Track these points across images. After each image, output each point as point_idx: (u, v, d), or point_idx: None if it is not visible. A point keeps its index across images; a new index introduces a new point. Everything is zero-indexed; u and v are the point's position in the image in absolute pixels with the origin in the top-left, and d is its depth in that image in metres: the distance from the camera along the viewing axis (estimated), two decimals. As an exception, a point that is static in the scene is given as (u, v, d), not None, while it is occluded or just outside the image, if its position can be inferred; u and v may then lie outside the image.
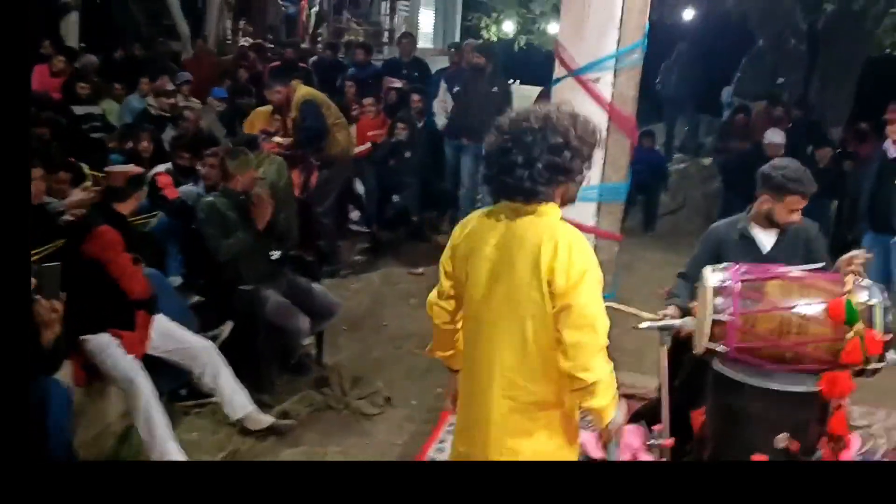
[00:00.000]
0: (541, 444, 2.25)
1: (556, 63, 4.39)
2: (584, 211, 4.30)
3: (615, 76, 4.25)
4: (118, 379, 3.63)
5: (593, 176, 4.30)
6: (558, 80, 4.36)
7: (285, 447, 3.90)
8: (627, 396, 4.12)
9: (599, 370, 2.12)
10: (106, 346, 3.67)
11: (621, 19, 4.21)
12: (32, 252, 3.19)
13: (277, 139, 5.84)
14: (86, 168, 5.05)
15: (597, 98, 4.26)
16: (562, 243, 2.11)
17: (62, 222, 4.27)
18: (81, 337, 3.66)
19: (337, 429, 4.15)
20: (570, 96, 4.32)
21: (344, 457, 3.87)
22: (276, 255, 4.59)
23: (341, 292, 5.71)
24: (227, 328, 4.44)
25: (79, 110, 6.59)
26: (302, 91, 5.93)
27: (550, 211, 2.19)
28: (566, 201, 2.26)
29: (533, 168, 2.12)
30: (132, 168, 4.35)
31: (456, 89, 7.88)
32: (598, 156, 4.13)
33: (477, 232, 2.30)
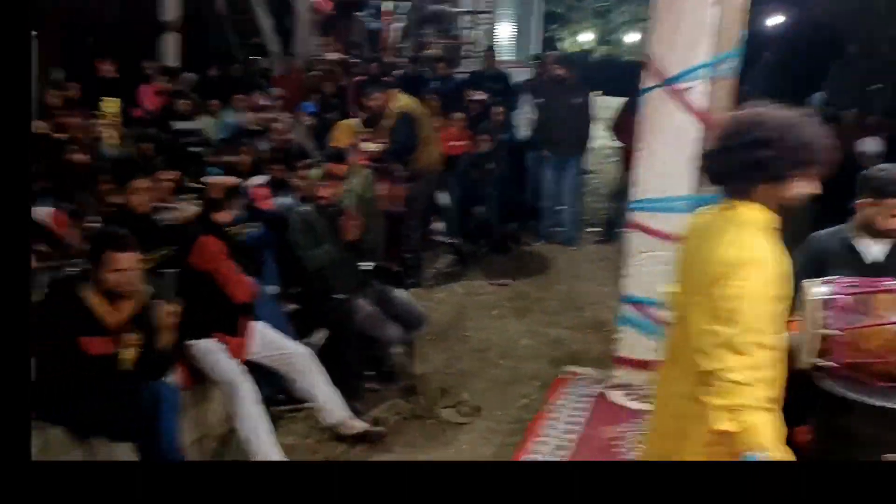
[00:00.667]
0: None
1: (646, 72, 4.38)
2: (676, 221, 4.26)
3: (709, 85, 4.21)
4: (222, 382, 3.77)
5: (684, 186, 4.27)
6: (648, 89, 4.34)
7: (376, 454, 3.98)
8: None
9: (720, 362, 1.98)
10: (211, 350, 3.83)
11: (715, 28, 4.18)
12: (144, 259, 3.35)
13: (369, 145, 5.98)
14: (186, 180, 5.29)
15: (689, 107, 4.22)
16: (729, 236, 2.08)
17: (166, 230, 4.47)
18: (187, 341, 3.83)
19: (424, 438, 4.21)
20: (660, 106, 4.30)
21: (434, 465, 3.91)
22: (367, 265, 4.69)
23: (425, 303, 5.78)
24: (320, 336, 4.56)
25: (178, 126, 6.90)
26: (401, 101, 6.03)
27: (745, 209, 2.15)
28: (776, 203, 2.17)
29: (731, 164, 2.12)
30: (229, 179, 4.54)
31: (538, 101, 7.91)
32: (688, 164, 4.20)
33: (690, 229, 2.33)
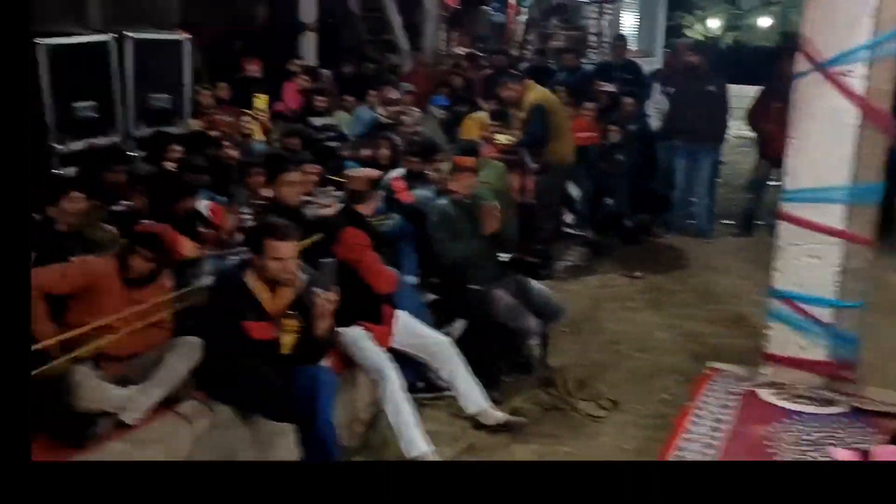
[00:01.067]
0: None
1: (799, 56, 4.18)
2: (832, 213, 4.06)
3: (869, 68, 3.97)
4: (370, 369, 3.91)
5: (842, 175, 4.05)
6: (803, 73, 4.14)
7: (516, 443, 4.01)
8: (882, 414, 3.88)
9: None
10: (358, 338, 3.97)
11: (876, 5, 3.94)
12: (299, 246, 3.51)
13: (501, 137, 6.02)
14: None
15: (847, 92, 4.00)
16: None
17: (313, 222, 4.67)
18: (336, 329, 3.99)
19: (563, 429, 4.19)
20: (815, 91, 4.10)
21: (574, 458, 3.91)
22: (505, 257, 4.73)
23: (558, 294, 5.76)
24: (459, 326, 4.64)
25: (316, 122, 7.18)
26: (535, 93, 6.03)
27: None
28: None
29: None
30: (372, 172, 4.69)
31: (671, 90, 7.71)
32: (846, 153, 3.98)
33: None
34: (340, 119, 7.60)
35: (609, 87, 8.19)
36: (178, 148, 5.37)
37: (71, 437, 2.98)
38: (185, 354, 3.31)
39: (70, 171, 5.04)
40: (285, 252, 3.32)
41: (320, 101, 7.39)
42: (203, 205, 4.72)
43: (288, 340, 3.40)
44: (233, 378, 3.32)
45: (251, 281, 3.37)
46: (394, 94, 7.57)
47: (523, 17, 11.99)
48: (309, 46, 8.93)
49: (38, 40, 5.00)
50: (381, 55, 9.52)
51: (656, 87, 7.93)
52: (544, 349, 4.85)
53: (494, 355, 4.53)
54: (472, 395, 4.11)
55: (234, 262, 3.62)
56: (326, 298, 3.29)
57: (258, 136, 6.48)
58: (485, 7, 11.47)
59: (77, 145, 5.18)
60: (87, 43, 5.28)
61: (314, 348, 3.41)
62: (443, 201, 4.81)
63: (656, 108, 7.79)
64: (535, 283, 4.84)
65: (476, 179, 4.90)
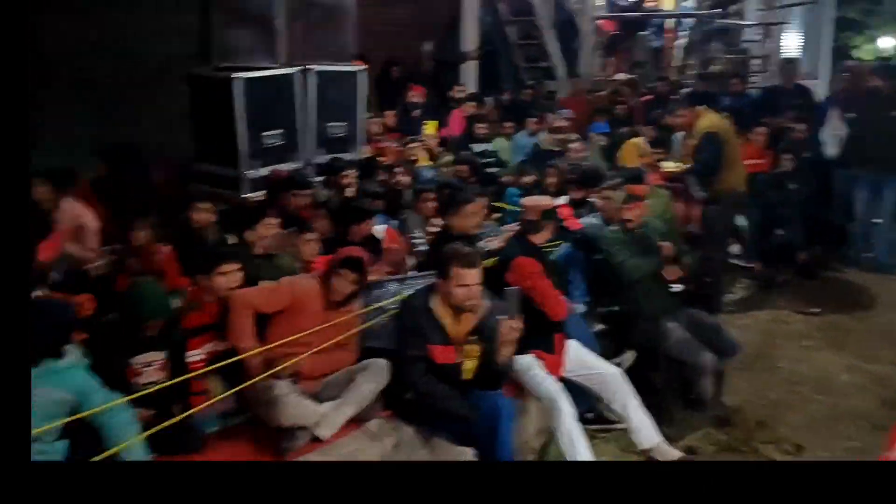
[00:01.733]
0: None
1: None
2: None
3: None
4: (542, 398, 3.91)
5: None
6: None
7: (691, 483, 3.86)
8: None
9: None
10: (531, 366, 3.98)
11: None
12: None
13: (670, 164, 5.89)
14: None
15: None
16: None
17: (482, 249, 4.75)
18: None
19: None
20: None
21: None
22: (677, 288, 4.60)
23: (728, 329, 5.53)
24: (628, 357, 4.55)
25: (476, 148, 7.31)
26: (707, 120, 5.86)
27: None
28: None
29: None
30: (546, 200, 4.69)
31: (850, 115, 7.27)
32: None
33: None
34: (498, 146, 7.70)
35: (781, 115, 7.82)
36: (351, 173, 5.62)
37: (278, 447, 3.17)
38: (375, 375, 3.44)
39: (258, 195, 5.39)
40: (471, 279, 3.39)
41: (481, 128, 7.52)
42: (379, 229, 4.91)
43: (469, 366, 3.46)
44: (417, 400, 3.41)
45: (436, 306, 3.46)
46: (561, 122, 7.57)
47: (682, 42, 11.71)
48: (469, 74, 9.13)
49: (234, 75, 5.41)
50: (538, 82, 9.58)
51: (832, 113, 7.48)
52: (718, 386, 4.66)
53: (667, 390, 4.41)
54: (645, 429, 4.01)
55: (420, 287, 3.73)
56: (511, 326, 3.33)
57: (424, 161, 6.67)
58: (643, 32, 11.30)
59: (264, 171, 5.53)
60: (276, 76, 5.65)
61: (495, 375, 3.45)
62: (613, 229, 4.76)
63: (833, 135, 7.35)
64: (709, 317, 4.68)
65: (647, 208, 4.82)
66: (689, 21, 11.81)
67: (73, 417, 2.87)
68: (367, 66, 6.37)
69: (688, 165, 6.08)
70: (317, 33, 5.91)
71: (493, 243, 4.71)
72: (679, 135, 6.86)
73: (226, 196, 5.44)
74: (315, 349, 3.47)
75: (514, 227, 4.77)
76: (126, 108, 6.79)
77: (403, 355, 3.44)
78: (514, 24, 10.13)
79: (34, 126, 6.45)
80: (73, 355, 2.99)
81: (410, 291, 3.85)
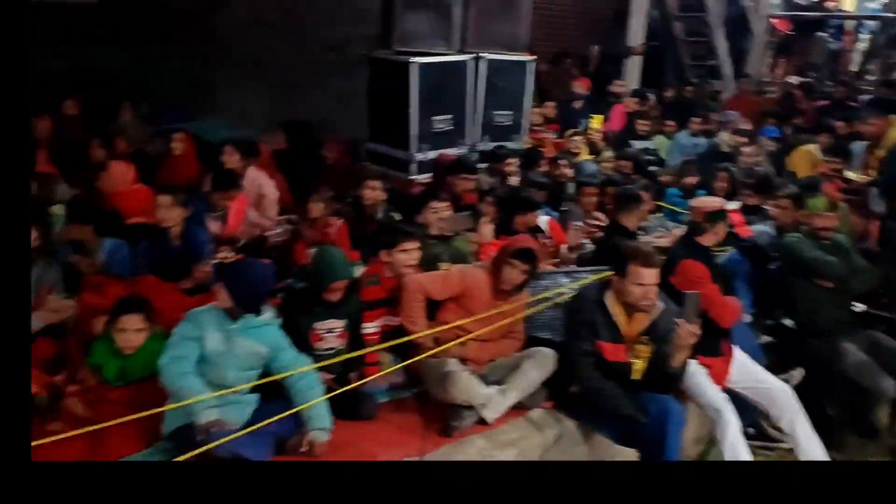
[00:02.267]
0: None
1: None
2: None
3: None
4: (706, 406, 3.79)
5: None
6: None
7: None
8: None
9: None
10: (697, 373, 3.86)
11: None
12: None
13: (852, 174, 5.55)
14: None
15: None
16: None
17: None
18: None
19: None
20: None
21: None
22: (859, 307, 4.34)
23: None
24: (797, 374, 4.34)
25: (636, 145, 7.16)
26: (900, 130, 5.50)
27: None
28: None
29: None
30: (715, 202, 4.53)
31: None
32: None
33: None
34: (659, 143, 7.51)
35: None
36: (514, 162, 5.65)
37: (444, 426, 3.27)
38: (541, 364, 3.46)
39: (425, 177, 5.53)
40: (648, 278, 3.34)
41: (643, 125, 7.36)
42: (543, 220, 4.91)
43: (639, 366, 3.42)
44: (583, 395, 3.40)
45: (610, 302, 3.43)
46: (741, 123, 7.26)
47: (861, 45, 10.96)
48: (632, 70, 8.95)
49: (411, 59, 5.56)
50: (702, 80, 9.25)
51: None
52: (894, 415, 4.37)
53: (838, 412, 4.18)
54: (813, 450, 3.82)
55: (596, 281, 3.70)
56: (689, 330, 3.26)
57: (585, 155, 6.61)
58: (821, 34, 10.65)
59: (432, 154, 5.67)
60: (450, 62, 5.76)
61: (667, 377, 3.39)
62: (794, 237, 4.54)
63: None
64: (891, 341, 4.38)
65: (837, 219, 4.56)
66: (872, 24, 11.02)
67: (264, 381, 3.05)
68: (535, 57, 6.37)
69: (871, 177, 5.70)
70: (492, 22, 5.98)
71: (663, 241, 4.61)
72: (860, 144, 6.45)
73: (393, 176, 5.62)
74: (482, 336, 3.52)
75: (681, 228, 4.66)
76: (299, 86, 7.14)
77: (573, 348, 3.44)
78: (683, 20, 9.80)
79: (210, 100, 6.90)
80: (269, 314, 3.18)
81: (576, 285, 3.85)
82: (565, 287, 3.90)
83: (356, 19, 6.89)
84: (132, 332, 3.17)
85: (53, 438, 2.25)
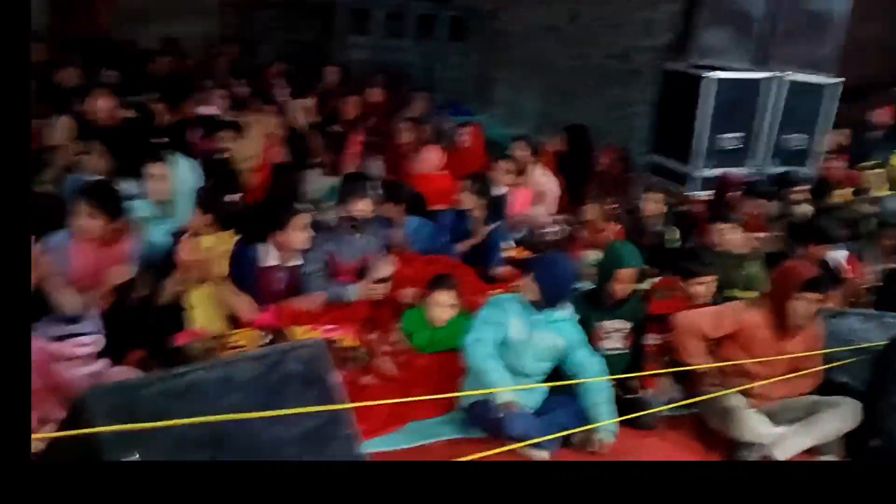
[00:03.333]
0: None
1: None
2: None
3: None
4: None
5: None
6: None
7: None
8: None
9: None
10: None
11: None
12: None
13: None
14: None
15: None
16: None
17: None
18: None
19: None
20: None
21: None
22: None
23: None
24: None
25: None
26: None
27: None
28: None
29: None
30: None
31: None
32: None
33: None
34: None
35: None
36: (804, 189, 5.33)
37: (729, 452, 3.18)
38: (845, 417, 3.22)
39: (704, 195, 5.39)
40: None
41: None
42: (840, 254, 4.59)
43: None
44: (886, 450, 3.14)
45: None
46: None
47: None
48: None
49: (704, 74, 5.42)
50: None
51: None
52: None
53: None
54: None
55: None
56: None
57: (882, 190, 6.06)
58: None
59: (714, 172, 5.50)
60: (746, 79, 5.54)
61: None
62: None
63: None
64: None
65: None
66: None
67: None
68: (842, 79, 5.94)
69: None
70: (799, 40, 5.66)
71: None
72: None
73: (670, 190, 5.52)
74: (772, 378, 3.33)
75: None
76: (574, 91, 7.22)
77: (880, 401, 3.18)
78: None
79: (488, 96, 7.20)
80: (569, 309, 3.28)
81: (875, 329, 3.55)
82: (870, 331, 3.61)
83: (641, 29, 6.83)
84: (444, 307, 3.42)
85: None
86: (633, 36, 6.92)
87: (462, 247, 4.31)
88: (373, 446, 2.80)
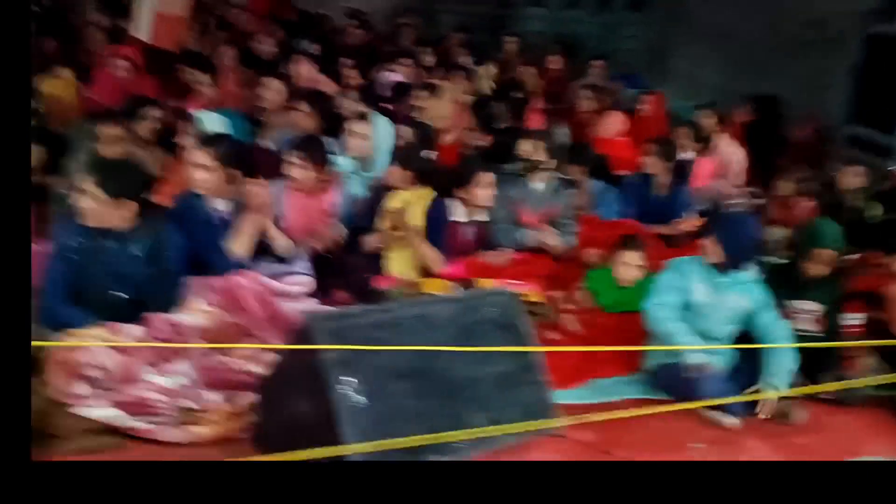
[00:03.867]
0: None
1: None
2: None
3: None
4: None
5: None
6: None
7: None
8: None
9: None
10: None
11: None
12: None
13: None
14: None
15: None
16: None
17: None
18: None
19: None
20: None
21: None
22: None
23: None
24: None
25: None
26: None
27: None
28: None
29: None
30: None
31: None
32: None
33: None
34: None
35: None
36: None
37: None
38: None
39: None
40: None
41: None
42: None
43: None
44: None
45: None
46: None
47: None
48: None
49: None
50: None
51: None
52: None
53: None
54: None
55: None
56: None
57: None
58: None
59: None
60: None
61: None
62: None
63: None
64: None
65: None
66: None
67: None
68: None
69: None
70: None
71: None
72: None
73: (870, 162, 5.16)
74: None
75: None
76: (764, 62, 6.85)
77: None
78: None
79: (661, 67, 6.98)
80: (754, 270, 3.19)
81: None
82: None
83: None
84: (633, 266, 3.43)
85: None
86: (831, 1, 6.48)
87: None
88: (558, 398, 2.87)
